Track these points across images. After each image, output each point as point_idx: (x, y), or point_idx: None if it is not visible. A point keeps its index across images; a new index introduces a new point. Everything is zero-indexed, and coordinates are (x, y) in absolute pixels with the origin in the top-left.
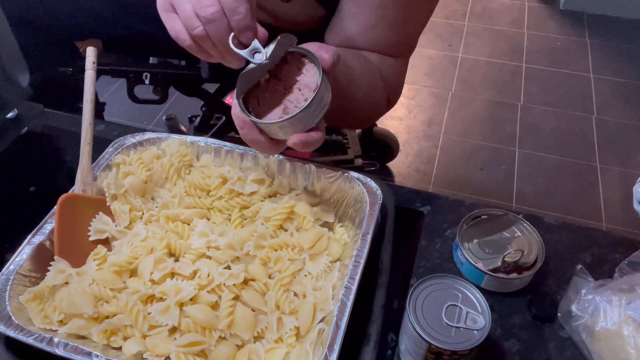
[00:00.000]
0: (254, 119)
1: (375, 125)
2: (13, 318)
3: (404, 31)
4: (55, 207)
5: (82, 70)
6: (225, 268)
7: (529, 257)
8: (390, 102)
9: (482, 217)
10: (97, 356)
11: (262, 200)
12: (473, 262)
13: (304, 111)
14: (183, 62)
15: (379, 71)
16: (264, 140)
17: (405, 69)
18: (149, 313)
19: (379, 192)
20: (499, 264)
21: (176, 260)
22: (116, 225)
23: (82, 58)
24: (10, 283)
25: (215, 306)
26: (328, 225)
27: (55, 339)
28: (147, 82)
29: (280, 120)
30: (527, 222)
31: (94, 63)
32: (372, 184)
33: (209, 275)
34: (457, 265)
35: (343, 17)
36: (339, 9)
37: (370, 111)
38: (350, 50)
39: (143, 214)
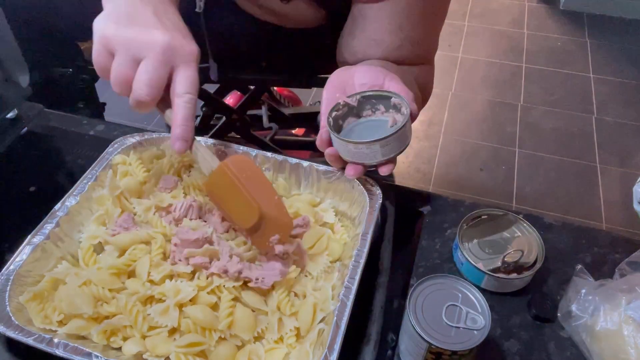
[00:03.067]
0: (343, 138)
1: None
2: (13, 318)
3: (426, 41)
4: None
5: (82, 70)
6: None
7: (529, 257)
8: (424, 105)
9: (482, 217)
10: (97, 357)
11: None
12: (473, 262)
13: (398, 132)
14: None
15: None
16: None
17: (433, 69)
18: (149, 314)
19: (379, 192)
20: (499, 264)
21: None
22: (106, 228)
23: (83, 58)
24: (10, 283)
25: (215, 307)
26: (328, 225)
27: (55, 340)
28: None
29: (377, 139)
30: (527, 222)
31: None
32: (372, 184)
33: (208, 277)
34: (457, 265)
35: (363, 44)
36: (358, 35)
37: None
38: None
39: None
